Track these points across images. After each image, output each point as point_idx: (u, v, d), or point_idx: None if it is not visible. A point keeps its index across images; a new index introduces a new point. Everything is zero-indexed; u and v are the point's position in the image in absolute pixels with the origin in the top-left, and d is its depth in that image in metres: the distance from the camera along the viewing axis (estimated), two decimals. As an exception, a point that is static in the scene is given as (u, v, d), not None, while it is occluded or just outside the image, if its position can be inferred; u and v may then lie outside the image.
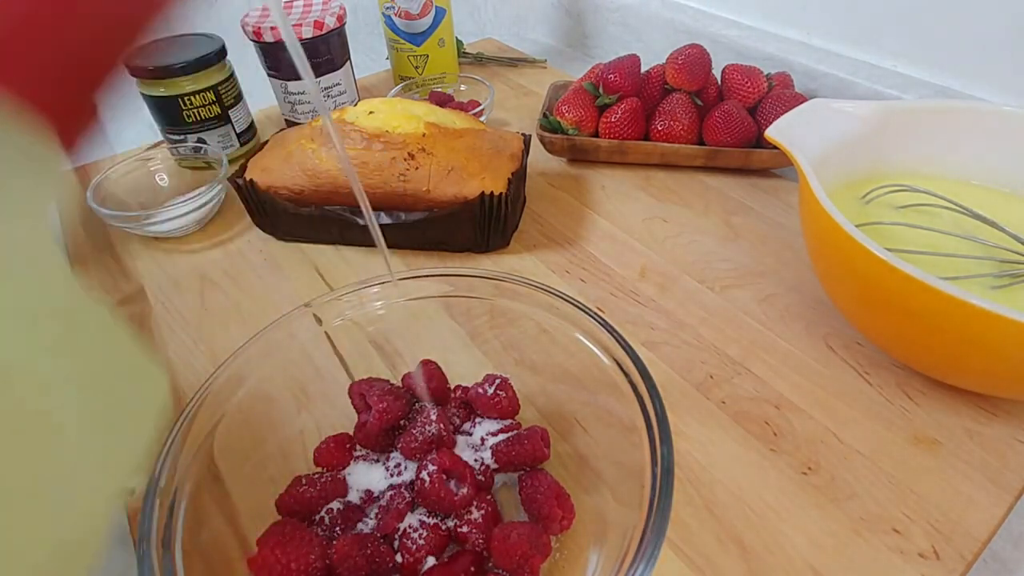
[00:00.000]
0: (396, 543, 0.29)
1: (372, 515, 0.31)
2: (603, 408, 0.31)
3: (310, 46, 0.59)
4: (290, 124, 0.66)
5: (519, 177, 0.48)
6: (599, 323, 0.31)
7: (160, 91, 0.56)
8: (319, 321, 0.35)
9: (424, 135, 0.46)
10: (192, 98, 0.56)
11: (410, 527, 0.29)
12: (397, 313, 0.36)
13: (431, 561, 0.28)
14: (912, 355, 0.35)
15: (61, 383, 0.16)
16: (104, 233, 0.55)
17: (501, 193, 0.45)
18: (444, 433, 0.32)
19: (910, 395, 0.37)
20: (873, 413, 0.36)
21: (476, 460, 0.32)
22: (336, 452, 0.32)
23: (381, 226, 0.47)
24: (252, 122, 0.64)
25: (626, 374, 0.29)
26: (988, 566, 0.32)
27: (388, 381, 0.33)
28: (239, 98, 0.61)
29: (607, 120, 0.56)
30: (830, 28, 0.59)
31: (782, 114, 0.41)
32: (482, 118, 0.62)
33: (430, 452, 0.31)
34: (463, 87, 0.70)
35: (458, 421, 0.35)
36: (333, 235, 0.50)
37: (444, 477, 0.29)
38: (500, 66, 0.81)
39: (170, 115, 0.57)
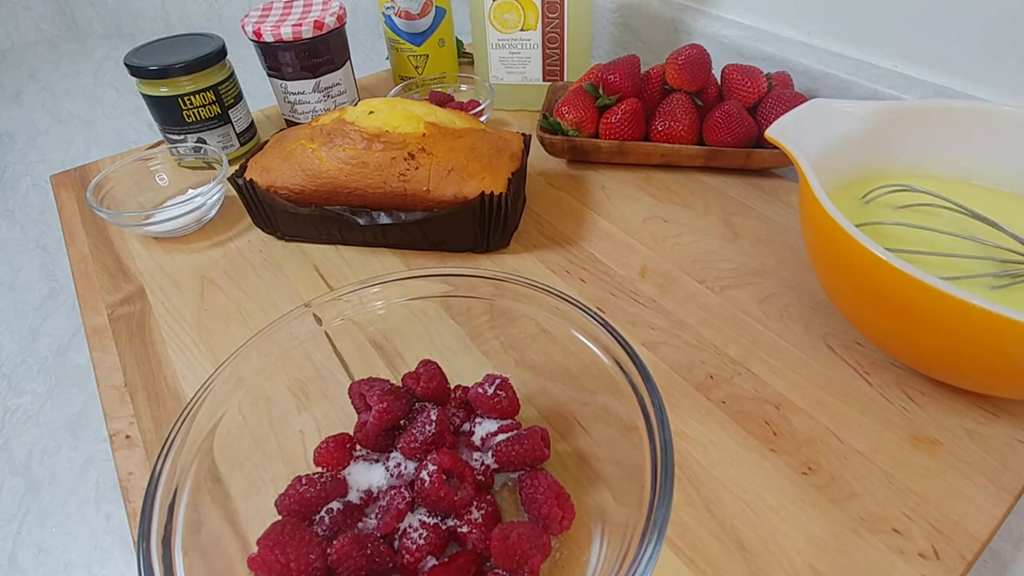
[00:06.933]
0: (396, 543, 0.29)
1: (372, 515, 0.31)
2: (603, 408, 0.31)
3: (310, 46, 0.59)
4: (290, 124, 0.66)
5: (519, 177, 0.48)
6: (599, 323, 0.31)
7: (160, 91, 0.56)
8: (319, 321, 0.35)
9: (424, 135, 0.46)
10: (192, 98, 0.56)
11: (410, 527, 0.29)
12: (397, 313, 0.36)
13: (431, 561, 0.28)
14: (912, 355, 0.35)
15: None
16: (104, 233, 0.55)
17: (501, 193, 0.45)
18: (444, 433, 0.32)
19: (910, 395, 0.37)
20: (873, 413, 0.36)
21: (476, 460, 0.32)
22: (336, 452, 0.32)
23: (381, 226, 0.47)
24: (252, 122, 0.64)
25: (626, 374, 0.29)
26: (988, 566, 0.32)
27: (388, 381, 0.33)
28: (239, 98, 0.61)
29: (607, 121, 0.56)
30: (830, 28, 0.59)
31: (782, 114, 0.41)
32: (482, 118, 0.62)
33: (430, 452, 0.31)
34: (463, 87, 0.70)
35: (458, 421, 0.35)
36: (333, 235, 0.50)
37: (444, 477, 0.29)
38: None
39: (170, 115, 0.57)
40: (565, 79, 0.66)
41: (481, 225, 0.47)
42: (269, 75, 0.62)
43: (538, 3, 0.61)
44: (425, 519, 0.29)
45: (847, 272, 0.34)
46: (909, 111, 0.42)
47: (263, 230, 0.52)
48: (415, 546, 0.28)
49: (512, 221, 0.49)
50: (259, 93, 0.69)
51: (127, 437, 0.38)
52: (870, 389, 0.37)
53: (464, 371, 0.37)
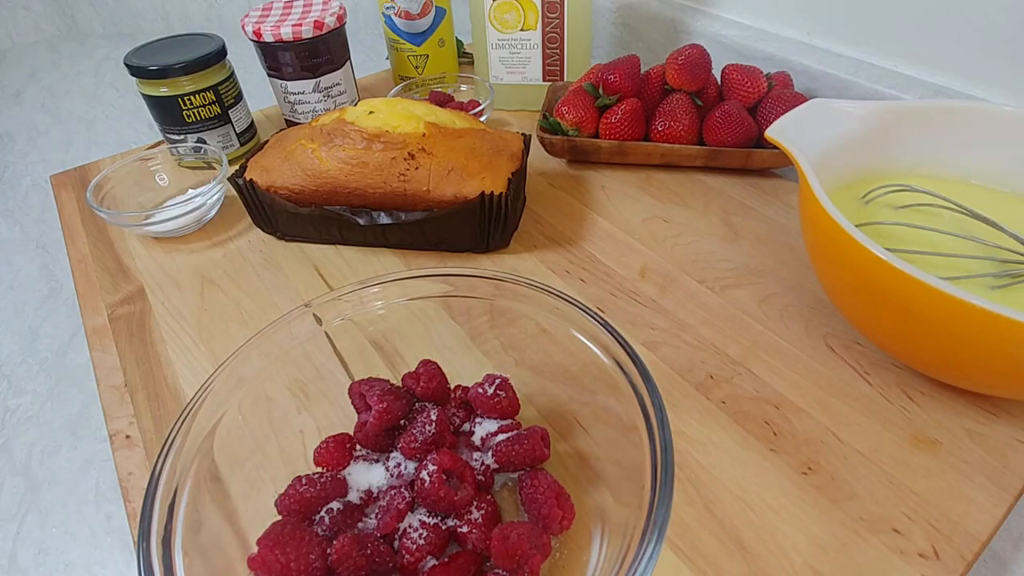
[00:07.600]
0: (396, 543, 0.29)
1: (372, 515, 0.31)
2: (603, 408, 0.31)
3: (310, 46, 0.59)
4: (290, 124, 0.66)
5: (519, 177, 0.48)
6: (599, 323, 0.31)
7: (160, 91, 0.56)
8: (319, 321, 0.35)
9: (424, 135, 0.46)
10: (192, 98, 0.56)
11: (410, 527, 0.29)
12: (397, 313, 0.36)
13: (431, 561, 0.28)
14: (912, 355, 0.35)
15: None
16: (104, 233, 0.55)
17: (501, 193, 0.45)
18: (444, 433, 0.32)
19: (910, 395, 0.37)
20: (873, 413, 0.36)
21: (476, 460, 0.32)
22: (336, 452, 0.32)
23: (381, 226, 0.47)
24: (252, 122, 0.64)
25: (626, 374, 0.29)
26: (988, 566, 0.32)
27: (388, 381, 0.33)
28: (239, 98, 0.61)
29: (607, 121, 0.56)
30: (830, 28, 0.59)
31: (782, 114, 0.41)
32: (482, 118, 0.62)
33: (430, 452, 0.31)
34: (463, 87, 0.70)
35: (458, 421, 0.35)
36: (333, 235, 0.50)
37: (444, 477, 0.29)
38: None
39: (170, 115, 0.57)
40: (565, 79, 0.66)
41: (481, 225, 0.47)
42: (269, 75, 0.62)
43: (538, 3, 0.61)
44: (425, 519, 0.29)
45: (847, 272, 0.34)
46: (909, 111, 0.42)
47: (263, 230, 0.52)
48: (415, 546, 0.28)
49: (512, 221, 0.49)
50: (259, 93, 0.69)
51: (127, 437, 0.38)
52: (870, 389, 0.37)
53: (464, 371, 0.37)
